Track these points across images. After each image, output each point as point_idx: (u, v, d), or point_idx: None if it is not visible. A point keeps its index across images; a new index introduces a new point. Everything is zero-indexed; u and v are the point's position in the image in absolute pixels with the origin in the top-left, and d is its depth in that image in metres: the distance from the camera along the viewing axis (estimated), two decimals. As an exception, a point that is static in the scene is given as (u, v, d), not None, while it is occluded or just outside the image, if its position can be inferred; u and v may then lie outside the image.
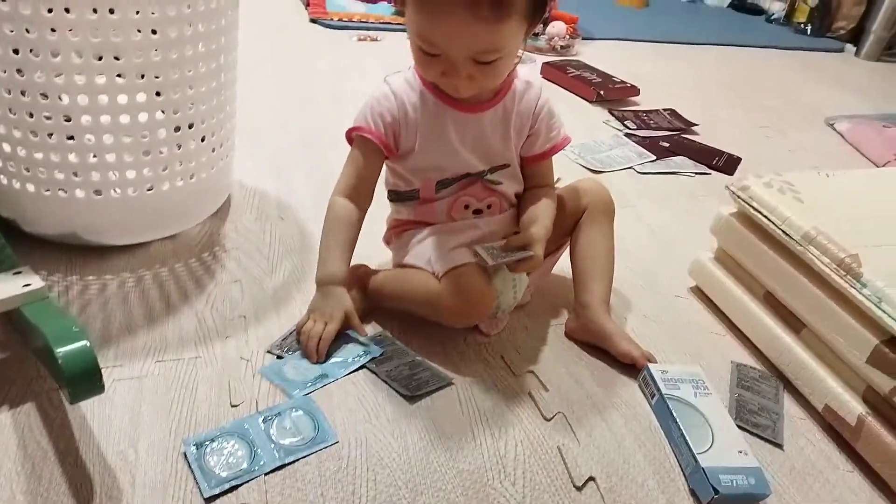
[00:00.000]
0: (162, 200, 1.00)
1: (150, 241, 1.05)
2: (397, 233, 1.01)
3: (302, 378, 0.85)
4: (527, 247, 0.88)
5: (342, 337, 0.90)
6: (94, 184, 0.94)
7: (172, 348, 0.87)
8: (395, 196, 0.99)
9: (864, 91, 2.42)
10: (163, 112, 0.94)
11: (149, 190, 0.98)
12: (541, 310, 1.04)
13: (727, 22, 3.04)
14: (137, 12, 0.86)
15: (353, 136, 0.92)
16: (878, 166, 1.78)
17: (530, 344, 0.98)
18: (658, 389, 0.87)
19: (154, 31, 0.88)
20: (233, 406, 0.80)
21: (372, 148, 0.91)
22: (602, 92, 1.90)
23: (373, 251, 1.03)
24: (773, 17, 3.10)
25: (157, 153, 0.96)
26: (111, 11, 0.84)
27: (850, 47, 2.89)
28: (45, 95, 0.87)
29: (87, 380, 0.67)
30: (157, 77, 0.91)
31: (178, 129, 0.96)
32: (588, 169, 1.52)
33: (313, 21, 2.21)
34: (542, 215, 0.93)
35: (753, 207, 0.99)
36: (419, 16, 0.80)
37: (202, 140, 1.01)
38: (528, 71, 0.95)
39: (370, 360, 0.88)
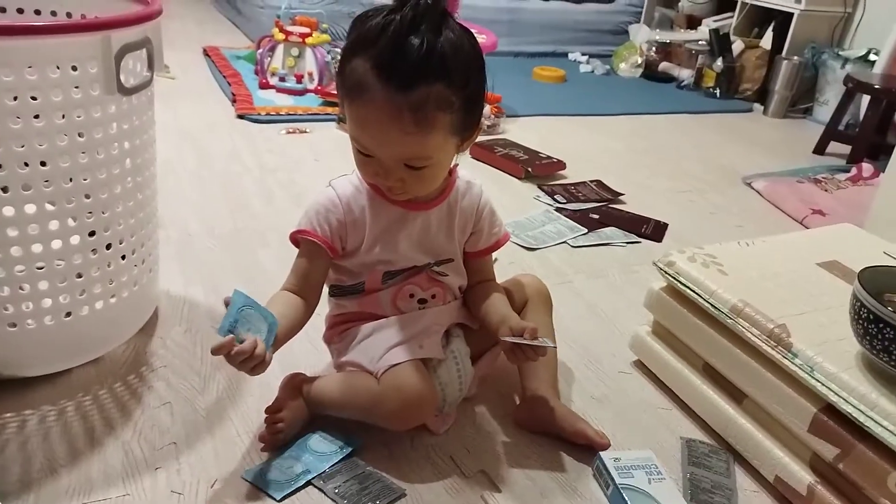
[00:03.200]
0: (82, 325, 0.95)
1: (71, 368, 0.99)
2: (340, 332, 0.99)
3: (285, 477, 0.84)
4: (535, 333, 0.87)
5: (315, 433, 0.92)
6: (7, 317, 0.89)
7: (98, 488, 0.81)
8: (338, 291, 0.98)
9: (775, 148, 2.56)
10: (78, 237, 0.90)
11: (67, 316, 0.93)
12: (488, 401, 1.02)
13: (641, 91, 3.20)
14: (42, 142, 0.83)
15: (298, 239, 0.92)
16: (797, 221, 1.87)
17: (479, 440, 0.95)
18: (612, 479, 0.85)
19: (65, 156, 0.86)
20: (164, 551, 0.74)
21: (318, 250, 0.91)
22: (530, 168, 1.95)
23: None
24: (683, 84, 3.28)
25: (73, 279, 0.92)
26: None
27: (757, 106, 3.07)
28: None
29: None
30: (69, 203, 0.88)
31: (94, 251, 0.93)
32: (522, 247, 1.54)
33: (240, 117, 2.21)
34: (507, 308, 0.95)
35: (681, 282, 1.01)
36: (352, 122, 0.83)
37: (122, 259, 0.97)
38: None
39: (343, 458, 0.87)
